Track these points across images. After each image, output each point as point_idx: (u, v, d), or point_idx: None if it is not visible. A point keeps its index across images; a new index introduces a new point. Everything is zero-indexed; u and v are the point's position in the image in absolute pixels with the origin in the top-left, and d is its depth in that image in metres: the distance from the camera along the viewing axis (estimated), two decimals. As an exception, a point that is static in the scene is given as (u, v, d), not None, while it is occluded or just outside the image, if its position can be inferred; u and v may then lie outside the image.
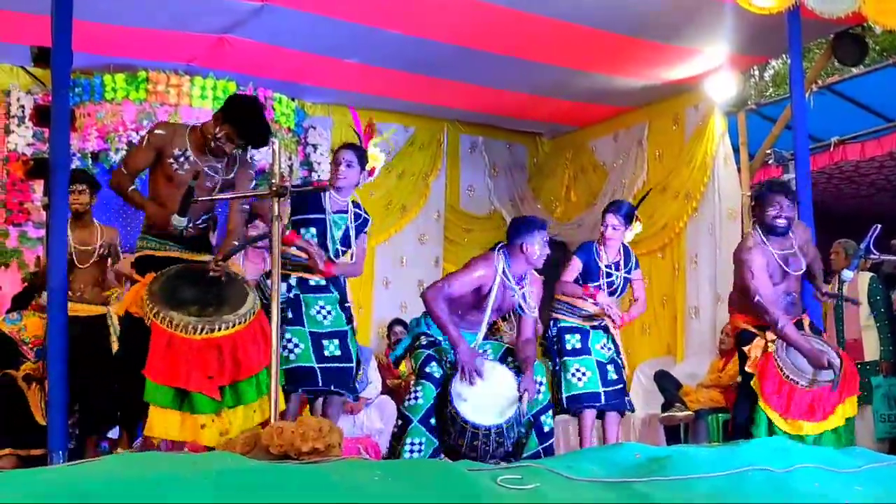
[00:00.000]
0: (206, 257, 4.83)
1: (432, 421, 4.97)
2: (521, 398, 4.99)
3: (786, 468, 3.73)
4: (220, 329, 4.44)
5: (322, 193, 5.18)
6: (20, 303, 6.45)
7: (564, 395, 5.90)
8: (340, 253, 5.31)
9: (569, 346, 5.93)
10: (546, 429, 5.17)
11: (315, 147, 9.30)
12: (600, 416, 6.11)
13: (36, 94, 8.03)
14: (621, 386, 5.98)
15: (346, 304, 5.36)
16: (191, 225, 4.69)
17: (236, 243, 4.90)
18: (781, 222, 5.36)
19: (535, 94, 9.39)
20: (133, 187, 4.73)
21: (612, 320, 6.03)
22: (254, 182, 5.17)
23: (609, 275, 6.08)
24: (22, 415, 6.18)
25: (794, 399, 5.17)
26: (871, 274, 7.52)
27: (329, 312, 5.24)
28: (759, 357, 5.35)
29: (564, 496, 3.32)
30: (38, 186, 7.38)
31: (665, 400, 7.60)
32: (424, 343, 5.22)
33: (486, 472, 3.46)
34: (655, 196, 9.55)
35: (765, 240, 5.39)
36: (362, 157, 5.39)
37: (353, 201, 5.42)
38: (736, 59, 8.45)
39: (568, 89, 9.22)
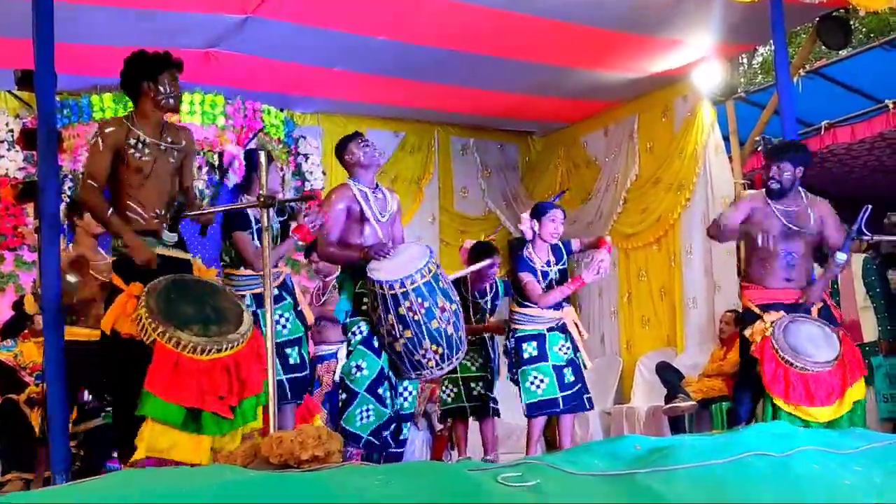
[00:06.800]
0: (184, 255, 4.82)
1: (380, 391, 5.03)
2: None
3: (785, 452, 3.73)
4: (225, 349, 4.41)
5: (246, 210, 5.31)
6: (12, 331, 6.43)
7: (524, 403, 6.01)
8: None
9: (526, 355, 6.01)
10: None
11: (306, 157, 9.31)
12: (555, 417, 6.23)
13: (24, 118, 8.04)
14: (580, 386, 6.02)
15: (299, 309, 5.43)
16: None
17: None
18: (774, 185, 5.48)
19: (523, 94, 9.41)
20: (112, 211, 4.60)
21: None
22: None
23: (546, 274, 6.10)
24: (26, 438, 6.20)
25: (791, 382, 5.17)
26: (865, 255, 7.53)
27: (287, 320, 5.35)
28: (758, 342, 5.35)
29: (566, 491, 3.31)
30: (32, 210, 7.39)
31: (668, 392, 7.59)
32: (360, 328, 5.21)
33: (487, 471, 3.46)
34: (648, 189, 9.59)
35: (767, 200, 5.52)
36: (252, 159, 5.32)
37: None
38: (722, 48, 8.47)
39: (556, 87, 9.23)
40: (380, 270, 4.95)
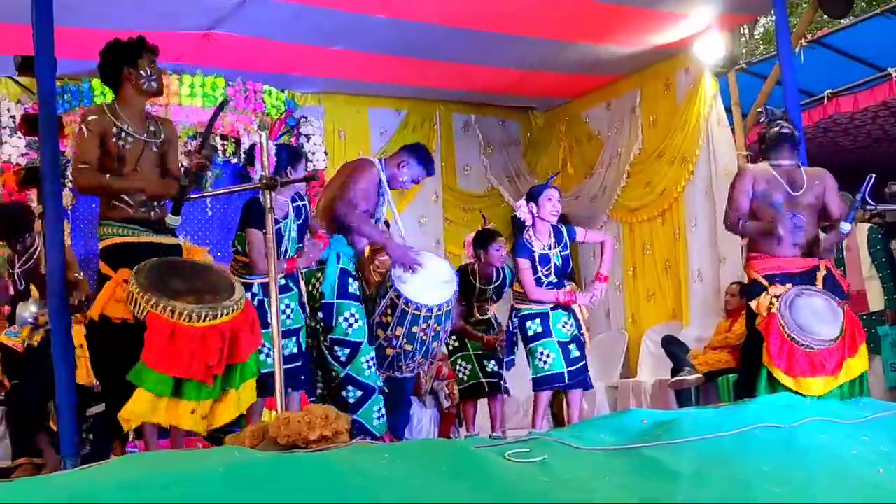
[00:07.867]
0: (173, 240, 4.79)
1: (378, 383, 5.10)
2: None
3: (792, 423, 3.74)
4: (222, 315, 4.37)
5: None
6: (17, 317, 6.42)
7: (532, 377, 6.07)
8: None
9: (531, 333, 6.06)
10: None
11: (308, 137, 9.28)
12: (562, 392, 6.31)
13: (26, 104, 8.02)
14: (583, 363, 6.06)
15: (303, 300, 5.43)
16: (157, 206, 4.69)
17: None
18: (786, 130, 5.60)
19: (524, 69, 9.36)
20: (108, 175, 4.58)
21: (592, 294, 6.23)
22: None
23: (546, 258, 6.11)
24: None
25: (795, 356, 5.16)
26: (870, 225, 7.51)
27: (292, 310, 5.31)
28: (765, 317, 5.33)
29: (573, 466, 3.34)
30: (35, 196, 7.37)
31: (674, 365, 7.60)
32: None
33: (494, 447, 3.48)
34: (652, 162, 9.57)
35: (768, 166, 5.55)
36: (283, 154, 5.33)
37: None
38: (723, 19, 8.43)
39: (558, 62, 9.19)
40: (408, 284, 4.96)
